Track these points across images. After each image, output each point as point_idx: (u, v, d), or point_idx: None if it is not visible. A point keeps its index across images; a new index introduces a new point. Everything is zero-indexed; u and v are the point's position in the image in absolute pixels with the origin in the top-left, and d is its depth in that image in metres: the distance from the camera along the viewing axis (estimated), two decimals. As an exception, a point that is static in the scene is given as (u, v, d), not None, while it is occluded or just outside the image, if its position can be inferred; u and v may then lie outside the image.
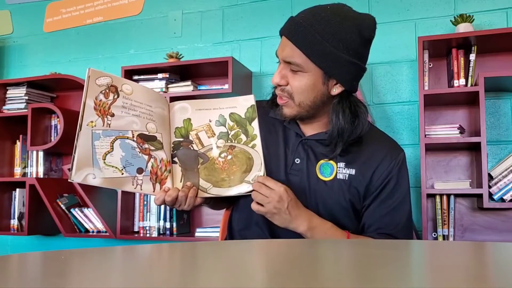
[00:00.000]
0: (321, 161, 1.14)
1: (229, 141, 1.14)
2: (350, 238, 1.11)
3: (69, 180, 1.02)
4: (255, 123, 1.14)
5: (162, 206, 2.60)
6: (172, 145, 1.16)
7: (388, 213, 1.14)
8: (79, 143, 1.02)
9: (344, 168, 1.14)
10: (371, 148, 1.15)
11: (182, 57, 2.68)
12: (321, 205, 1.13)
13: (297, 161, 1.16)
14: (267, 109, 1.20)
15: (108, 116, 1.07)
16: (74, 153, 1.02)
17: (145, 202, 2.64)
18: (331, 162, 1.14)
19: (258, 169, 1.11)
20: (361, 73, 1.12)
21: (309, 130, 1.18)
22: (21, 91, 2.86)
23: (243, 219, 1.23)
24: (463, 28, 2.20)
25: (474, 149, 2.29)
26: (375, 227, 1.14)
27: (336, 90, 1.09)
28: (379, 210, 1.14)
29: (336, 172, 1.13)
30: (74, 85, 2.84)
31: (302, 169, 1.15)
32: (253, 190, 1.08)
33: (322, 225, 1.10)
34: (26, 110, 2.79)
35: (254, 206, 1.08)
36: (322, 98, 1.10)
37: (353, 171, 1.13)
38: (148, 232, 2.60)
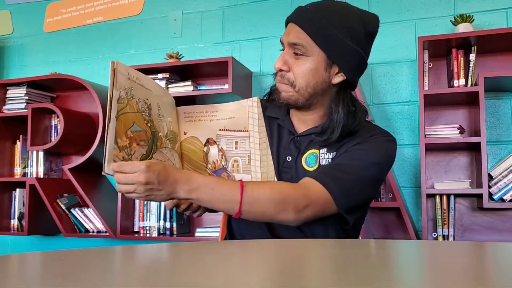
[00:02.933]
0: (307, 153, 1.14)
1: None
2: (244, 185, 0.99)
3: (103, 173, 0.98)
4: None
5: (162, 206, 2.60)
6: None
7: (337, 164, 1.07)
8: (109, 134, 0.96)
9: (326, 154, 1.13)
10: (360, 135, 1.13)
11: (182, 57, 2.68)
12: None
13: (288, 158, 1.16)
14: (263, 107, 1.19)
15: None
16: (106, 145, 0.95)
17: (145, 202, 2.64)
18: (315, 151, 1.14)
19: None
20: (363, 66, 1.13)
21: (303, 126, 1.18)
22: (21, 91, 2.86)
23: (242, 219, 1.22)
24: (463, 28, 2.20)
25: (474, 149, 2.29)
26: (316, 172, 1.08)
27: (338, 79, 1.10)
28: (331, 163, 1.09)
29: (319, 159, 1.13)
30: (74, 85, 2.83)
31: (292, 166, 1.15)
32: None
33: (206, 183, 0.99)
34: (26, 110, 2.79)
35: (125, 194, 0.97)
36: (323, 85, 1.10)
37: (334, 154, 1.12)
38: (148, 232, 2.60)
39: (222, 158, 1.15)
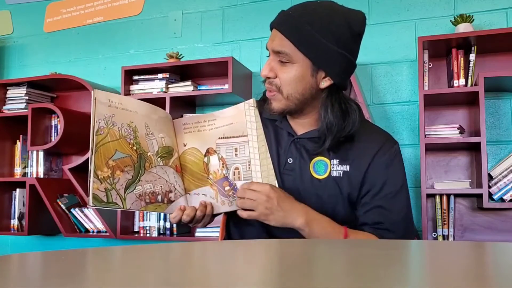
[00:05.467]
0: (315, 159, 1.13)
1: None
2: (348, 233, 1.09)
3: (88, 206, 1.03)
4: None
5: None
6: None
7: (381, 206, 1.11)
8: (91, 167, 1.01)
9: (338, 165, 1.12)
10: (364, 142, 1.13)
11: (182, 57, 2.68)
12: (317, 203, 1.12)
13: (290, 160, 1.15)
14: (259, 109, 1.19)
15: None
16: (89, 177, 1.00)
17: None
18: (325, 159, 1.13)
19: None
20: (351, 68, 1.11)
21: (301, 128, 1.17)
22: (21, 91, 2.86)
23: (239, 219, 1.22)
24: (463, 28, 2.20)
25: (474, 149, 2.29)
26: (370, 222, 1.12)
27: (325, 83, 1.08)
28: (371, 204, 1.11)
29: (330, 170, 1.12)
30: (74, 85, 2.84)
31: (295, 169, 1.14)
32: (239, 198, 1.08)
33: (319, 219, 1.08)
34: (26, 110, 2.79)
35: (243, 213, 1.06)
36: (311, 91, 1.09)
37: (347, 167, 1.12)
38: (148, 232, 2.60)
39: (223, 167, 1.14)
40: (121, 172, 1.04)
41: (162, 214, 2.59)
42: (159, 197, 1.08)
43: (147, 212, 2.62)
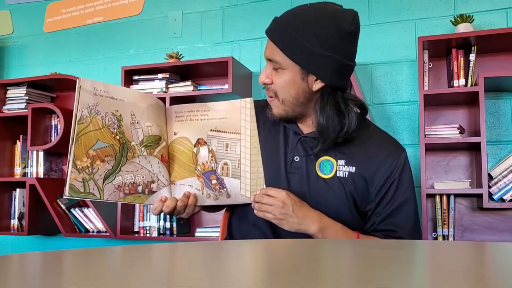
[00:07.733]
0: (321, 158, 1.14)
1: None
2: (360, 238, 1.10)
3: (64, 197, 1.01)
4: None
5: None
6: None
7: (392, 215, 1.13)
8: (70, 157, 1.00)
9: (344, 166, 1.13)
10: (372, 146, 1.15)
11: (182, 57, 2.68)
12: (321, 202, 1.12)
13: (296, 159, 1.16)
14: (267, 108, 1.20)
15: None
16: (68, 167, 0.99)
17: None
18: (331, 159, 1.14)
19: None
20: (344, 68, 1.10)
21: (307, 128, 1.18)
22: (21, 91, 2.86)
23: (243, 219, 1.23)
24: (463, 28, 2.20)
25: (474, 149, 2.29)
26: (382, 230, 1.14)
27: (317, 85, 1.09)
28: (383, 213, 1.13)
29: (336, 170, 1.13)
30: (74, 85, 2.82)
31: (301, 167, 1.15)
32: (255, 202, 1.09)
33: (332, 226, 1.09)
34: (26, 110, 2.79)
35: (259, 213, 1.08)
36: (304, 94, 1.10)
37: (353, 169, 1.13)
38: (148, 232, 2.60)
39: (212, 160, 1.13)
40: (101, 162, 1.03)
41: (162, 214, 2.59)
42: (140, 188, 1.07)
43: (147, 212, 2.62)
